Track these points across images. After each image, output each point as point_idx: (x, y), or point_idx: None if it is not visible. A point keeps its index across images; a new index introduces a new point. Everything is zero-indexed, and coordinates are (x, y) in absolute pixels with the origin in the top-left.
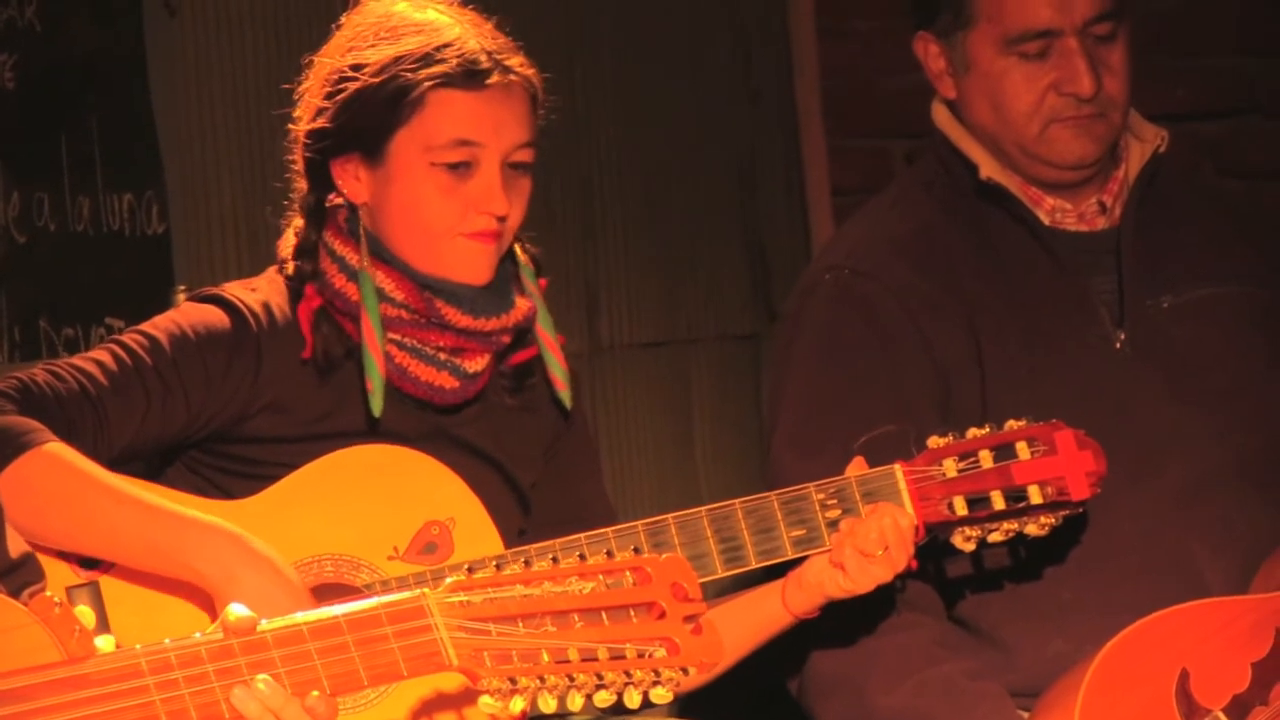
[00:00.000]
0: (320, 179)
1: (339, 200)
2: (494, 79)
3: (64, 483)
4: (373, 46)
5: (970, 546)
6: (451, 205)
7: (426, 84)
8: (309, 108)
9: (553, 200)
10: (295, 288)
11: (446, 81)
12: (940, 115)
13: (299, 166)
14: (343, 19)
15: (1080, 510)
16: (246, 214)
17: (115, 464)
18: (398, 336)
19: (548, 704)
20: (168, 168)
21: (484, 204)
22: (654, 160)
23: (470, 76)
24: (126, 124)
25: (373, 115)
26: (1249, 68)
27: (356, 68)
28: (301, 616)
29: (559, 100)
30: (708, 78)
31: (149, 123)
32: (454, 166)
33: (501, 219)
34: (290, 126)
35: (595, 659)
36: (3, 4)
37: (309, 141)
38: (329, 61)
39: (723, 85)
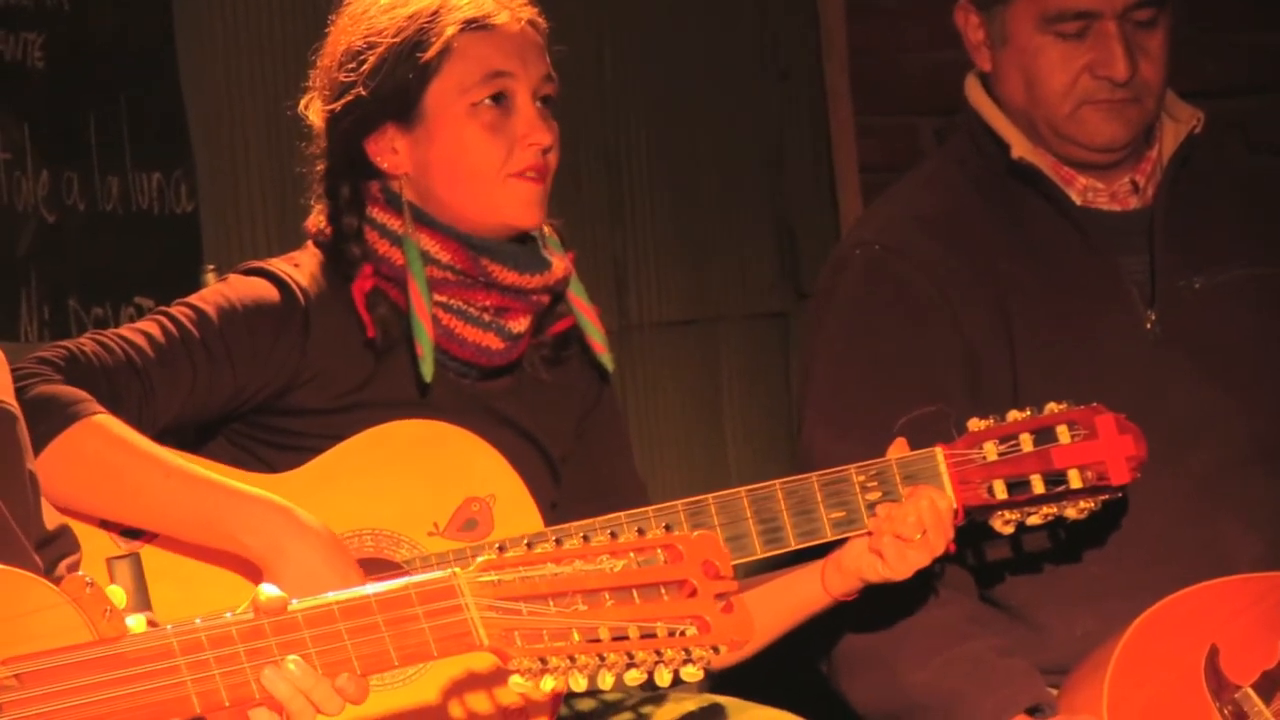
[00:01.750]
0: (352, 162)
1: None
2: (505, 17)
3: (111, 454)
4: (381, 15)
5: (1009, 530)
6: (498, 144)
7: (450, 30)
8: (331, 90)
9: (581, 178)
10: (342, 270)
11: (467, 25)
12: (974, 91)
13: (323, 154)
14: (333, 15)
15: (1120, 495)
16: (276, 192)
17: (160, 436)
18: (444, 298)
19: (578, 683)
20: (196, 146)
21: (529, 136)
22: (682, 138)
23: (485, 17)
24: (155, 103)
25: (403, 74)
26: (1275, 43)
27: (373, 35)
28: (332, 596)
29: (588, 77)
30: (736, 55)
31: (178, 101)
32: (494, 100)
33: (546, 150)
34: (311, 118)
35: (626, 638)
36: None
37: (338, 124)
38: (342, 40)
39: (751, 63)
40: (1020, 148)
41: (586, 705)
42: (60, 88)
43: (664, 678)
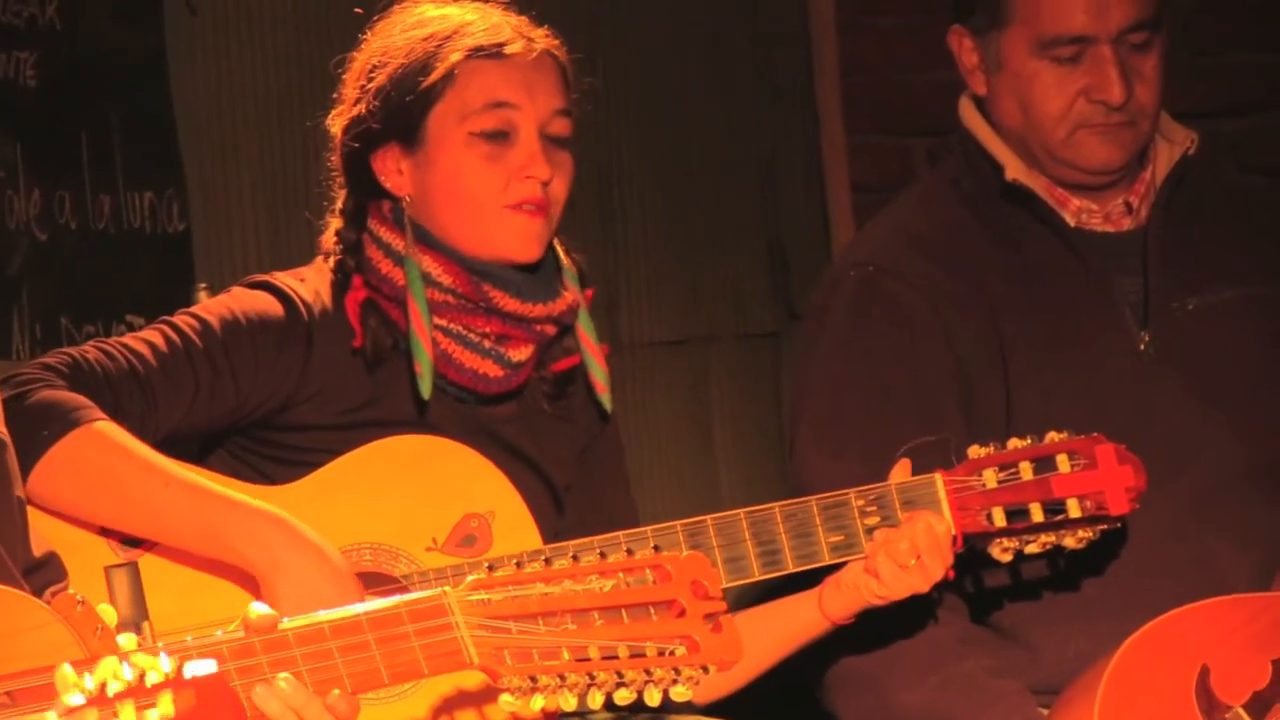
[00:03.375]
0: (360, 179)
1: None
2: (519, 46)
3: (111, 461)
4: (398, 34)
5: (1007, 558)
6: (495, 174)
7: (455, 57)
8: (345, 103)
9: (573, 197)
10: (341, 280)
11: (475, 53)
12: (967, 113)
13: (338, 168)
14: (368, 29)
15: (1119, 525)
16: (267, 211)
17: (162, 447)
18: (444, 322)
19: (568, 702)
20: (188, 166)
21: (526, 168)
22: (674, 158)
23: (497, 46)
24: (147, 122)
25: (407, 96)
26: (1268, 65)
27: (386, 54)
28: (323, 615)
29: (580, 97)
30: (728, 75)
31: (170, 121)
32: (493, 136)
33: (545, 184)
34: (327, 124)
35: (616, 657)
36: (24, 1)
37: (347, 138)
38: (361, 57)
39: (743, 82)
40: (1014, 169)
41: None
42: (52, 106)
43: (653, 697)
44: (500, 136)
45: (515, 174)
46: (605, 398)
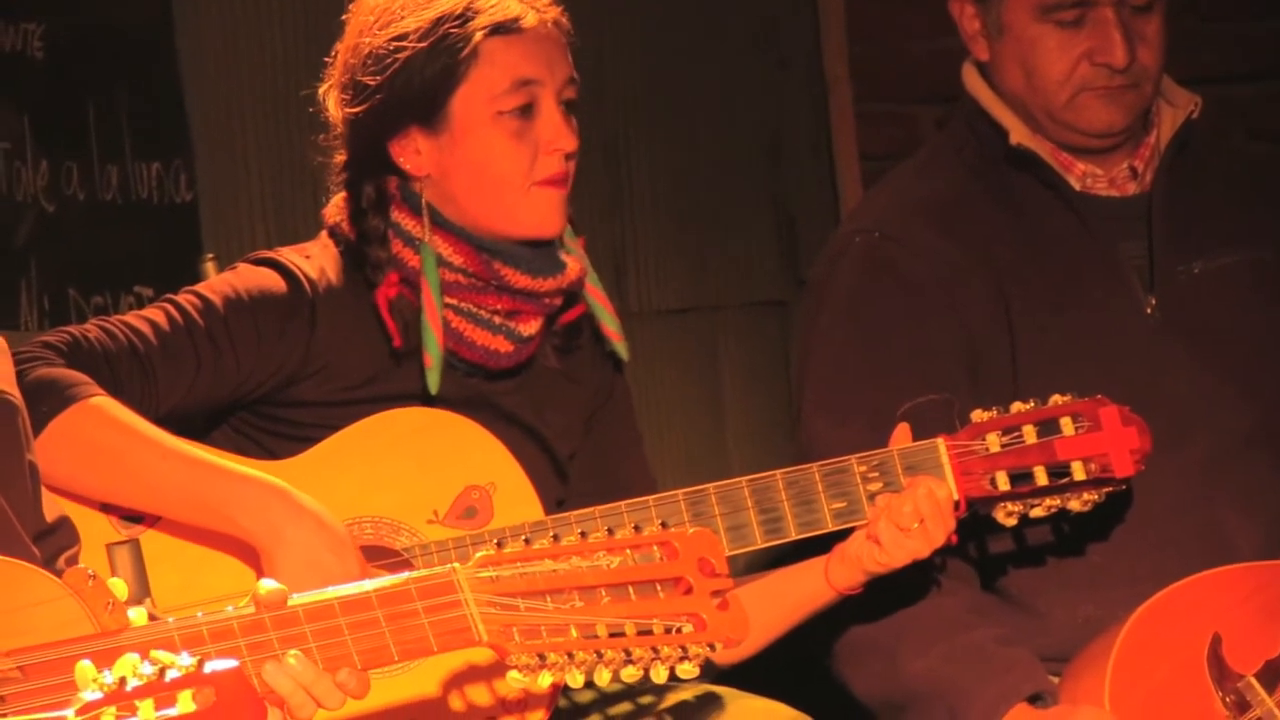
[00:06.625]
0: (374, 164)
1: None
2: (534, 19)
3: (110, 435)
4: (407, 17)
5: (1012, 522)
6: (523, 152)
7: (478, 35)
8: (354, 90)
9: (580, 166)
10: (364, 273)
11: (494, 30)
12: (971, 79)
13: (346, 153)
14: (348, 10)
15: (1124, 487)
16: (274, 182)
17: (165, 423)
18: (454, 301)
19: (575, 679)
20: (196, 137)
21: (554, 142)
22: (682, 127)
23: (514, 20)
24: (155, 93)
25: (428, 79)
26: (1272, 31)
27: (399, 38)
28: (333, 591)
29: (587, 67)
30: (736, 43)
31: (177, 92)
32: (519, 111)
33: (569, 156)
34: (330, 109)
35: (623, 635)
36: None
37: (361, 124)
38: (366, 42)
39: (751, 51)
40: (1019, 134)
41: (585, 696)
42: (59, 78)
43: (660, 674)
44: (526, 111)
45: (543, 148)
46: (621, 346)
